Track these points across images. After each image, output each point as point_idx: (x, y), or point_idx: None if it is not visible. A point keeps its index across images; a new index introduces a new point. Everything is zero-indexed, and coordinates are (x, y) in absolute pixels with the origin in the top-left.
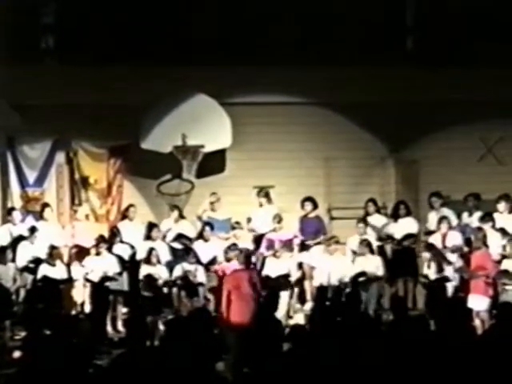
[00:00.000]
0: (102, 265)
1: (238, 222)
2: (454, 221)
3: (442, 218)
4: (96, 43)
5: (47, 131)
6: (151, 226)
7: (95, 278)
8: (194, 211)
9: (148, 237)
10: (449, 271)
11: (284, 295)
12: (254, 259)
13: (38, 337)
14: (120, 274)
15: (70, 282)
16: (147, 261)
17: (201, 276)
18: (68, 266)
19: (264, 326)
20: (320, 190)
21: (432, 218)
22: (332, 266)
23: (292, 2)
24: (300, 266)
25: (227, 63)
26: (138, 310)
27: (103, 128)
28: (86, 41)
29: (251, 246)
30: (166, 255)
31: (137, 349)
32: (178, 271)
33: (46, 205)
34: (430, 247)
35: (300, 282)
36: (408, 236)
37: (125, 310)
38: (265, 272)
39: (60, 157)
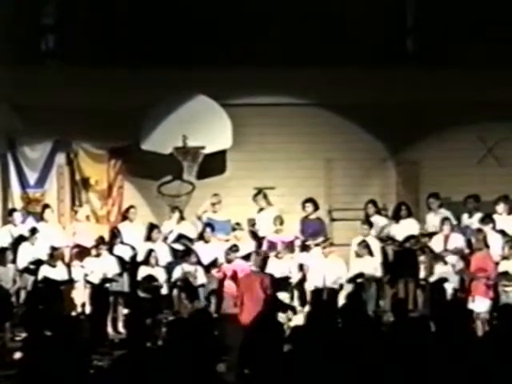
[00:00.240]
0: (102, 266)
1: (238, 223)
2: (453, 222)
3: (445, 220)
4: (96, 44)
5: (48, 132)
6: (152, 227)
7: (95, 279)
8: (194, 212)
9: (148, 238)
10: (448, 272)
11: (285, 297)
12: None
13: (38, 338)
14: (120, 275)
15: (70, 283)
16: (146, 262)
17: (201, 277)
18: (68, 266)
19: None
20: (320, 191)
21: (430, 220)
22: (326, 269)
23: (292, 3)
24: (301, 267)
25: (227, 64)
26: (139, 311)
27: (104, 129)
28: (87, 42)
29: (252, 248)
30: (166, 256)
31: (137, 350)
32: (177, 272)
33: (46, 206)
34: (424, 250)
35: (301, 283)
36: (409, 237)
37: (125, 311)
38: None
39: (60, 158)
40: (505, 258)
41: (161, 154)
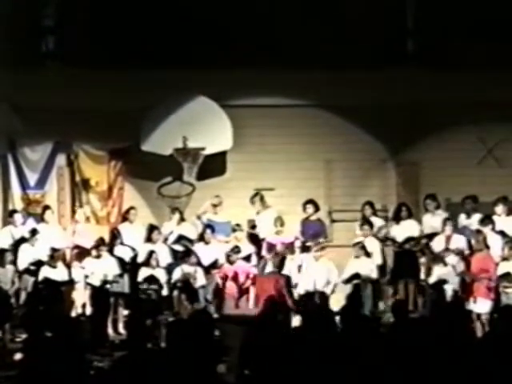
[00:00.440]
0: (102, 267)
1: (238, 225)
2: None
3: (447, 220)
4: (96, 46)
5: (48, 133)
6: (152, 229)
7: (96, 281)
8: (194, 214)
9: (148, 239)
10: (448, 273)
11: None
12: (254, 261)
13: (38, 339)
14: (121, 276)
15: (71, 283)
16: (147, 263)
17: (201, 278)
18: (69, 267)
19: (265, 328)
20: (320, 193)
21: (426, 221)
22: (316, 273)
23: (292, 4)
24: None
25: (227, 65)
26: (139, 312)
27: (104, 130)
28: (87, 43)
29: (252, 249)
30: (166, 258)
31: (138, 351)
32: (177, 273)
33: (46, 207)
34: (425, 251)
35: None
36: (410, 238)
37: (126, 312)
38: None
39: (61, 159)
40: (505, 259)
41: (161, 155)
